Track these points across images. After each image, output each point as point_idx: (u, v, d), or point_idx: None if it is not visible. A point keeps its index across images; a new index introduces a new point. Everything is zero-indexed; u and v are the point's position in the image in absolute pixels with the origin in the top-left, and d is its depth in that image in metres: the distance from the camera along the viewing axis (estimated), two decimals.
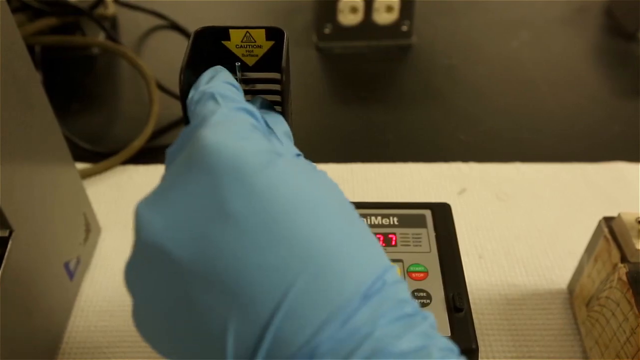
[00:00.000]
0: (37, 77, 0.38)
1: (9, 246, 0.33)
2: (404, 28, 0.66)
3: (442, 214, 0.38)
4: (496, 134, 0.57)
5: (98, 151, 0.52)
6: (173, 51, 0.66)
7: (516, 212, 0.48)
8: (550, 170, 0.52)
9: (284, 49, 0.23)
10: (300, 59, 0.65)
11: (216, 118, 0.20)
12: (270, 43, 0.24)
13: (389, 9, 0.64)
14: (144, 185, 0.51)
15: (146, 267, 0.19)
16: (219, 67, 0.23)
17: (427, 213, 0.38)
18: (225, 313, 0.17)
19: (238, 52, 0.24)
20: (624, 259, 0.34)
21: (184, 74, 0.23)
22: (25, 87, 0.36)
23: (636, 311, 0.32)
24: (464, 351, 0.31)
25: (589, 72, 0.65)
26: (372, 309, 0.17)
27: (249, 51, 0.24)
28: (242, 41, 0.24)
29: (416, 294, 0.33)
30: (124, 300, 0.42)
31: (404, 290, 0.19)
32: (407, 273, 0.34)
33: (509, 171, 0.53)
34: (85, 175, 0.50)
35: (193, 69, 0.23)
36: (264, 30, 0.23)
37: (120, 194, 0.50)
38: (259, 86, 0.25)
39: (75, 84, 0.61)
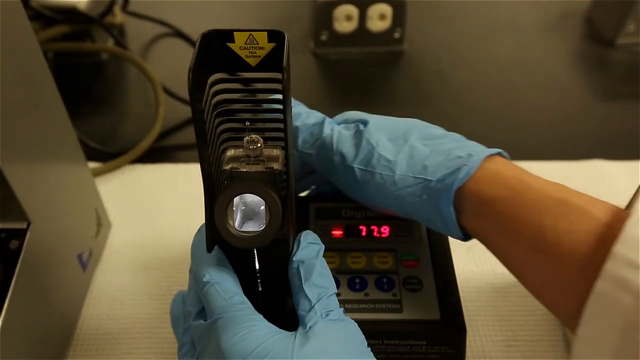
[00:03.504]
0: (52, 81, 0.38)
1: (27, 237, 0.33)
2: (396, 35, 0.67)
3: None
4: (481, 133, 0.56)
5: (108, 151, 0.53)
6: (177, 57, 0.67)
7: None
8: (533, 167, 0.51)
9: (285, 50, 0.23)
10: (299, 65, 0.65)
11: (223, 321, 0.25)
12: (272, 45, 0.24)
13: (382, 17, 0.65)
14: (151, 182, 0.52)
15: None
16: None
17: None
18: None
19: (242, 54, 0.24)
20: None
21: (192, 73, 0.23)
22: (41, 91, 0.36)
23: None
24: (453, 332, 0.31)
25: (570, 76, 0.65)
26: None
27: (252, 52, 0.24)
28: (245, 43, 0.24)
29: (408, 280, 0.33)
30: (133, 290, 0.43)
31: None
32: (400, 261, 0.34)
33: None
34: (96, 173, 0.51)
35: (200, 68, 0.23)
36: (266, 32, 0.23)
37: (129, 191, 0.50)
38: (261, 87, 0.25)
39: (86, 88, 0.62)
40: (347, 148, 0.31)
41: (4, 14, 0.32)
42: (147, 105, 0.59)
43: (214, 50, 0.24)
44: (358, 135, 0.31)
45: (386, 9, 0.64)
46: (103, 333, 0.40)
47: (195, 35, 0.65)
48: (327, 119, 0.33)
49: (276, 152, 0.25)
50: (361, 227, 0.36)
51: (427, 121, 0.68)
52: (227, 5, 0.75)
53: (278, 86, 0.23)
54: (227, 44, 0.24)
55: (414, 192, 0.29)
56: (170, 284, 0.43)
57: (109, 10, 0.62)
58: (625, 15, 0.64)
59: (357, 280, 0.33)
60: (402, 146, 0.30)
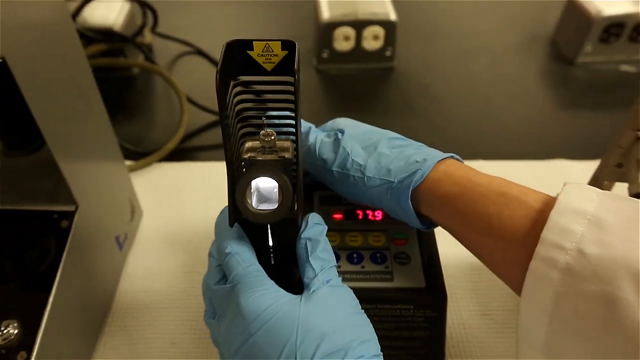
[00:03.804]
0: (98, 91, 0.38)
1: (75, 218, 0.35)
2: (388, 53, 0.67)
3: None
4: (462, 138, 0.58)
5: (139, 151, 0.54)
6: (198, 72, 0.67)
7: None
8: (506, 166, 0.54)
9: (296, 57, 0.23)
10: (303, 79, 0.64)
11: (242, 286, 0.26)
12: (285, 52, 0.24)
13: (375, 37, 0.65)
14: (176, 178, 0.53)
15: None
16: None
17: None
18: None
19: (259, 60, 0.24)
20: None
21: (219, 75, 0.23)
22: (89, 99, 0.37)
23: None
24: (435, 297, 0.32)
25: (537, 90, 0.66)
26: None
27: (267, 59, 0.24)
28: (262, 51, 0.24)
29: (398, 255, 0.34)
30: (162, 268, 0.44)
31: None
32: (391, 240, 0.35)
33: (473, 167, 0.54)
34: (130, 169, 0.51)
35: (225, 72, 0.24)
36: (280, 42, 0.24)
37: (157, 185, 0.51)
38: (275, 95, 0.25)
39: (120, 98, 0.62)
40: (327, 154, 0.33)
41: (64, 38, 0.34)
42: (172, 113, 0.60)
43: (236, 56, 0.24)
44: (336, 143, 0.33)
45: (379, 30, 0.65)
46: (136, 304, 0.41)
47: (213, 53, 0.67)
48: (312, 128, 0.35)
49: (287, 144, 0.26)
50: (358, 211, 0.37)
51: (414, 128, 0.70)
52: (241, 27, 0.75)
53: (290, 87, 0.24)
54: (247, 51, 0.24)
55: (381, 190, 0.30)
56: (193, 263, 0.44)
57: (140, 31, 0.64)
58: (584, 38, 0.66)
59: (355, 255, 0.34)
60: (372, 153, 0.32)
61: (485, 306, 0.41)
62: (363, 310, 0.27)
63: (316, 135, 0.34)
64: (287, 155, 0.25)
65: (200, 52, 0.69)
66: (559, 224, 0.23)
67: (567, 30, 0.70)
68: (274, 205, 0.25)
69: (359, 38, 0.65)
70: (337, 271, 0.28)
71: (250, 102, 0.25)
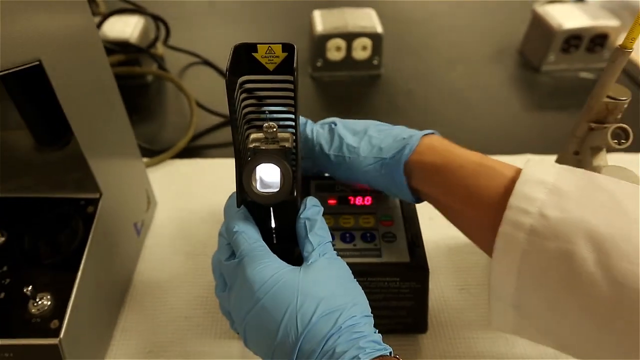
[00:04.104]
0: (119, 95, 0.39)
1: (99, 204, 0.35)
2: (375, 62, 0.68)
3: None
4: (441, 135, 0.59)
5: (154, 149, 0.54)
6: (206, 79, 0.67)
7: None
8: None
9: (295, 58, 0.24)
10: (299, 85, 0.66)
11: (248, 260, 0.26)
12: (285, 54, 0.24)
13: (364, 48, 0.66)
14: (187, 173, 0.53)
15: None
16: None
17: None
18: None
19: (263, 61, 0.24)
20: None
21: (228, 73, 0.24)
22: (112, 102, 0.38)
23: None
24: (419, 271, 0.33)
25: (507, 94, 0.66)
26: (347, 336, 0.24)
27: (270, 60, 0.25)
28: (265, 53, 0.24)
29: (386, 234, 0.35)
30: (175, 251, 0.44)
31: (367, 328, 0.25)
32: (380, 221, 0.36)
33: None
34: (146, 165, 0.51)
35: (233, 71, 0.24)
36: (280, 45, 0.24)
37: (170, 180, 0.52)
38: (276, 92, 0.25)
39: (136, 103, 0.62)
40: (324, 141, 0.33)
41: (91, 46, 0.34)
42: (182, 115, 0.61)
43: (243, 58, 0.25)
44: (331, 132, 0.34)
45: (367, 41, 0.65)
46: (153, 282, 0.42)
47: (219, 63, 0.68)
48: (309, 121, 0.36)
49: (287, 135, 0.26)
50: (350, 197, 0.38)
51: None
52: (238, 40, 0.76)
53: (290, 85, 0.24)
54: (252, 53, 0.24)
55: (375, 168, 0.31)
56: (203, 247, 0.45)
57: (153, 44, 0.64)
58: (547, 49, 0.67)
59: (347, 235, 0.35)
60: (363, 136, 0.32)
61: (462, 282, 0.42)
62: (355, 279, 0.27)
63: (312, 127, 0.35)
64: (287, 144, 0.26)
65: (207, 63, 0.69)
66: (523, 192, 0.24)
67: (533, 42, 0.71)
68: (276, 188, 0.26)
69: (349, 49, 0.66)
70: (333, 248, 0.28)
71: (255, 99, 0.26)
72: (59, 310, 0.31)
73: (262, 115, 0.26)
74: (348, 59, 0.67)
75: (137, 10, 0.62)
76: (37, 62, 0.27)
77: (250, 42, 0.24)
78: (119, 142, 0.40)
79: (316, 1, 0.73)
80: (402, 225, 0.36)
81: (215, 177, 0.52)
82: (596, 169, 0.30)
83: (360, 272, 0.29)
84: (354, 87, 0.67)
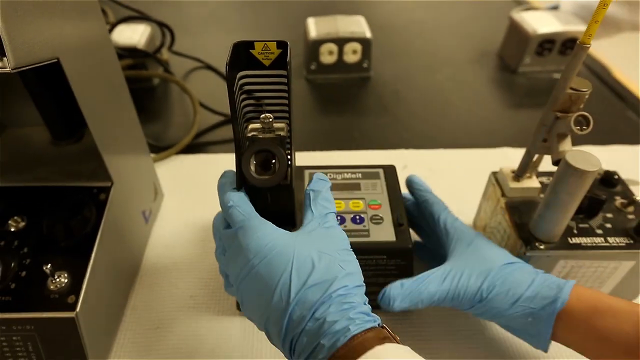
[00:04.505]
0: (129, 95, 0.39)
1: (111, 192, 0.36)
2: (365, 65, 0.68)
3: (389, 171, 0.40)
4: (427, 132, 0.59)
5: (160, 146, 0.55)
6: (207, 82, 0.68)
7: (440, 179, 0.50)
8: (462, 153, 0.56)
9: (288, 54, 0.24)
10: (294, 87, 0.66)
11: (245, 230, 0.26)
12: (279, 51, 0.25)
13: (354, 52, 0.67)
14: (190, 168, 0.53)
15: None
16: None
17: (380, 171, 0.40)
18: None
19: (259, 57, 0.25)
20: (503, 195, 0.38)
21: (228, 67, 0.24)
22: (121, 97, 0.39)
23: (510, 222, 0.36)
24: (404, 249, 0.34)
25: (487, 94, 0.67)
26: (337, 305, 0.23)
27: (266, 56, 0.25)
28: (262, 49, 0.25)
29: (374, 217, 0.36)
30: (180, 238, 0.45)
31: (358, 298, 0.24)
32: (368, 205, 0.37)
33: (436, 154, 0.55)
34: (153, 160, 0.52)
35: (232, 66, 0.25)
36: (275, 42, 0.25)
37: (175, 174, 0.52)
38: (271, 86, 0.26)
39: (143, 104, 0.62)
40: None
41: (103, 47, 0.35)
42: (186, 114, 0.62)
43: (241, 54, 0.25)
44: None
45: (357, 46, 0.66)
46: (160, 266, 0.42)
47: (220, 67, 0.69)
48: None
49: (282, 125, 0.27)
50: (341, 184, 0.39)
51: (387, 125, 0.69)
52: None
53: (284, 79, 0.25)
54: (250, 50, 0.25)
55: (521, 315, 0.30)
56: (206, 234, 0.46)
57: (159, 49, 0.65)
58: (523, 52, 0.68)
59: (339, 218, 0.36)
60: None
61: None
62: (352, 250, 0.27)
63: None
64: (282, 133, 0.27)
65: (209, 67, 0.70)
66: None
67: (510, 46, 0.72)
68: (272, 173, 0.27)
69: (340, 53, 0.67)
70: (335, 218, 0.28)
71: (253, 92, 0.26)
72: (75, 287, 0.32)
73: (259, 108, 0.27)
74: (340, 62, 0.68)
75: (143, 17, 0.63)
76: (56, 60, 0.29)
77: (248, 40, 0.25)
78: (129, 137, 0.41)
79: (310, 9, 0.75)
80: (388, 208, 0.37)
81: (217, 170, 0.49)
82: (561, 154, 0.32)
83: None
84: (346, 88, 0.68)
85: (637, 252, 0.34)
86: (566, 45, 0.68)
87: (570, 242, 0.34)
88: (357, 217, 0.36)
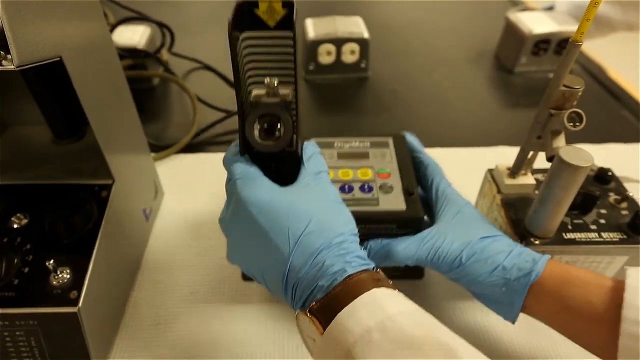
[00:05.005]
0: (130, 95, 0.40)
1: (112, 190, 0.36)
2: (363, 65, 0.69)
3: (399, 140, 0.39)
4: (425, 131, 0.57)
5: (160, 145, 0.55)
6: (207, 83, 0.68)
7: None
8: (459, 152, 0.56)
9: (294, 14, 0.23)
10: (298, 41, 0.64)
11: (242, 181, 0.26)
12: (285, 10, 0.24)
13: (352, 52, 0.67)
14: (190, 166, 0.54)
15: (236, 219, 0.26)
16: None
17: (389, 139, 0.39)
18: (279, 243, 0.24)
19: (264, 17, 0.24)
20: (499, 192, 0.38)
21: (231, 27, 0.23)
22: (122, 97, 0.39)
23: (505, 218, 0.36)
24: (414, 217, 0.33)
25: (484, 93, 0.68)
26: (335, 251, 0.24)
27: (270, 16, 0.24)
28: (266, 9, 0.24)
29: (383, 186, 0.35)
30: (179, 236, 0.45)
31: (354, 245, 0.25)
32: (377, 174, 0.35)
33: (433, 153, 0.51)
34: (153, 159, 0.51)
35: (236, 25, 0.24)
36: (281, 1, 0.23)
37: (175, 172, 0.53)
38: (277, 57, 0.24)
39: (143, 104, 0.60)
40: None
41: (105, 47, 0.36)
42: (186, 114, 0.62)
43: (245, 14, 0.24)
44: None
45: (355, 46, 0.67)
46: (160, 263, 0.43)
47: (219, 68, 0.69)
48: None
49: (288, 90, 0.25)
50: (347, 153, 0.38)
51: (385, 124, 0.70)
52: None
53: (290, 41, 0.23)
54: (254, 10, 0.24)
55: (496, 283, 0.30)
56: (206, 231, 0.46)
57: (158, 50, 0.66)
58: (519, 53, 0.69)
59: (346, 187, 0.34)
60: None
61: None
62: (343, 202, 0.27)
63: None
64: (287, 97, 0.25)
65: (208, 67, 0.70)
66: (633, 303, 0.24)
67: (507, 46, 0.73)
68: (277, 137, 0.25)
69: (338, 53, 0.67)
70: (328, 178, 0.28)
71: (257, 55, 0.25)
72: (77, 282, 0.32)
73: (264, 72, 0.25)
74: (338, 62, 0.68)
75: (142, 17, 0.63)
76: (58, 58, 0.29)
77: (253, 0, 0.24)
78: (130, 136, 0.41)
79: (308, 10, 0.74)
80: (398, 177, 0.35)
81: (216, 169, 0.50)
82: (555, 150, 0.32)
83: (359, 220, 0.29)
84: (344, 88, 0.68)
85: (630, 247, 0.34)
86: (561, 45, 0.68)
87: (565, 237, 0.35)
88: (366, 185, 0.35)
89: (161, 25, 0.65)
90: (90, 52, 0.33)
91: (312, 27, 0.68)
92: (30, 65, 0.26)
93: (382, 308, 0.22)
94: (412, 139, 0.39)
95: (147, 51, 0.63)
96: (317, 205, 0.25)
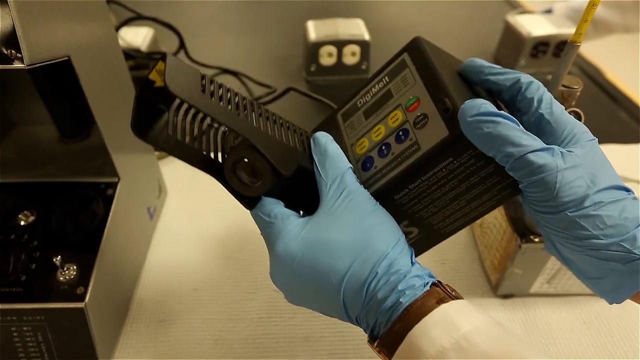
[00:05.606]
0: (133, 87, 0.40)
1: (117, 187, 0.37)
2: (363, 67, 0.69)
3: (414, 48, 0.31)
4: None
5: None
6: None
7: None
8: None
9: (167, 67, 0.22)
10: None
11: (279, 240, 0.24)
12: (163, 64, 0.22)
13: (353, 54, 0.68)
14: (193, 167, 0.55)
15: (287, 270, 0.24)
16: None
17: (406, 56, 0.31)
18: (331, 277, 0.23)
19: (161, 84, 0.22)
20: None
21: (134, 129, 0.23)
22: (127, 96, 0.39)
23: (506, 217, 0.37)
24: (455, 139, 0.24)
25: None
26: (384, 279, 0.22)
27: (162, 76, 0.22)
28: (157, 75, 0.23)
29: (416, 120, 0.26)
30: (183, 235, 0.46)
31: (402, 261, 0.23)
32: (406, 109, 0.27)
33: None
34: (157, 159, 0.51)
35: (139, 125, 0.24)
36: (159, 61, 0.23)
37: (178, 172, 0.53)
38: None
39: None
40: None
41: (111, 48, 0.36)
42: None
43: (154, 94, 0.23)
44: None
45: (356, 48, 0.67)
46: (164, 260, 0.43)
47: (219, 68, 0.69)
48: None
49: (232, 135, 0.24)
50: (372, 109, 0.30)
51: None
52: (240, 49, 0.76)
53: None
54: (153, 85, 0.23)
55: (619, 257, 0.22)
56: (209, 231, 0.46)
57: (175, 53, 0.67)
58: (519, 54, 0.69)
59: (383, 147, 0.27)
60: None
61: (442, 258, 0.44)
62: (378, 204, 0.24)
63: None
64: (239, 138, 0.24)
65: (207, 67, 0.70)
66: None
67: (506, 48, 0.73)
68: (257, 182, 0.24)
69: (340, 55, 0.67)
70: (373, 171, 0.25)
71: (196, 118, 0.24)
72: (83, 278, 0.32)
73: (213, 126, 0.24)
74: (339, 64, 0.68)
75: (144, 18, 0.63)
76: (67, 58, 0.30)
77: (143, 81, 0.23)
78: (135, 138, 0.41)
79: (310, 12, 0.76)
80: (428, 98, 0.27)
81: None
82: None
83: (410, 179, 0.25)
84: (345, 89, 0.68)
85: None
86: (560, 48, 0.69)
87: None
88: (400, 132, 0.27)
89: (168, 28, 0.65)
90: (97, 52, 0.34)
91: (314, 29, 0.68)
92: (40, 64, 0.27)
93: (456, 326, 0.21)
94: (480, 62, 0.30)
95: (150, 53, 0.63)
96: (349, 232, 0.23)
